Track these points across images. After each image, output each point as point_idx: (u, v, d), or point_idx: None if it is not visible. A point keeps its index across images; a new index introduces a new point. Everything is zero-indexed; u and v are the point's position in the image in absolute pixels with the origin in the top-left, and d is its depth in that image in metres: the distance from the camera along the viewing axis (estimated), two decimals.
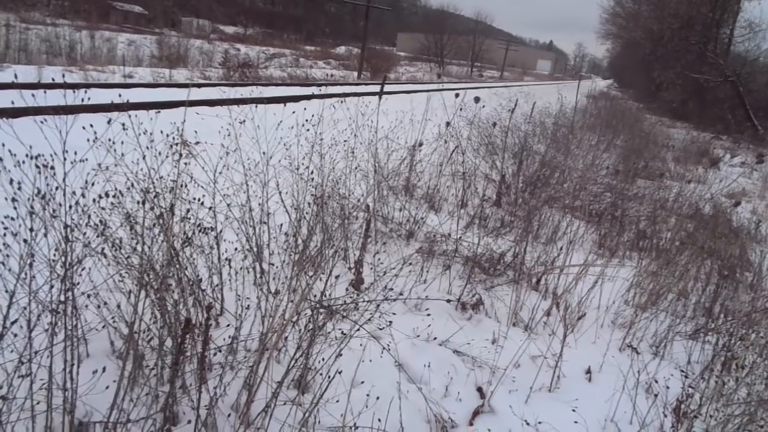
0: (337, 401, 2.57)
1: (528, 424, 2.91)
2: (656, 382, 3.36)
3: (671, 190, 8.58)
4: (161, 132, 2.81)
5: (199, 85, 16.24)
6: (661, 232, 6.32)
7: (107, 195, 2.59)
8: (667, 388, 3.19)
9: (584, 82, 49.56)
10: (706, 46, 29.37)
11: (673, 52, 32.32)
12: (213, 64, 26.16)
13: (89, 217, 2.45)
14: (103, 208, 2.58)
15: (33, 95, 2.27)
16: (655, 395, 3.23)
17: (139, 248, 2.52)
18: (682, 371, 3.51)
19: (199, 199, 3.04)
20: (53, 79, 10.48)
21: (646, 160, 11.01)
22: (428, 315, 3.69)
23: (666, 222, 6.64)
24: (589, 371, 3.53)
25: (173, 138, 2.87)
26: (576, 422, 2.94)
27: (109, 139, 2.48)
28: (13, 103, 2.47)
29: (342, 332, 2.68)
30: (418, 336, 3.52)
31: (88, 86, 10.83)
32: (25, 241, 2.07)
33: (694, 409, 2.89)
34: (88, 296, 2.51)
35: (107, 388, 2.25)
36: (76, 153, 2.18)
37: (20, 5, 34.60)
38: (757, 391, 2.96)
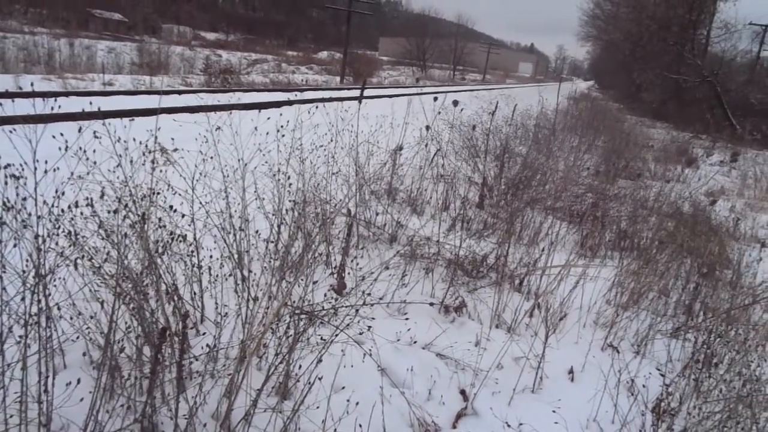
0: (318, 407, 2.55)
1: (509, 425, 2.91)
2: (633, 381, 3.38)
3: (651, 189, 8.66)
4: (134, 140, 2.79)
5: (180, 92, 16.14)
6: (641, 231, 6.37)
7: (77, 205, 2.55)
8: (644, 386, 3.21)
9: (565, 84, 50.01)
10: (684, 47, 29.77)
11: (652, 53, 32.76)
12: (194, 70, 26.04)
13: (59, 227, 2.42)
14: (73, 218, 2.54)
15: (1, 104, 2.24)
16: (633, 394, 3.26)
17: (113, 256, 2.49)
18: (658, 369, 3.53)
19: (172, 207, 3.01)
20: (20, 88, 10.35)
21: (626, 161, 11.11)
22: (407, 319, 3.68)
23: (646, 221, 6.70)
24: (571, 371, 3.54)
25: (146, 146, 2.85)
26: (556, 423, 2.94)
27: (80, 148, 2.45)
28: None
29: (322, 338, 2.66)
30: (399, 340, 3.51)
31: (59, 95, 10.74)
32: None
33: (674, 407, 2.91)
34: (59, 308, 2.47)
35: (81, 400, 2.22)
36: (46, 162, 2.15)
37: None
38: (735, 388, 2.99)
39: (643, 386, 3.21)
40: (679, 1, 30.40)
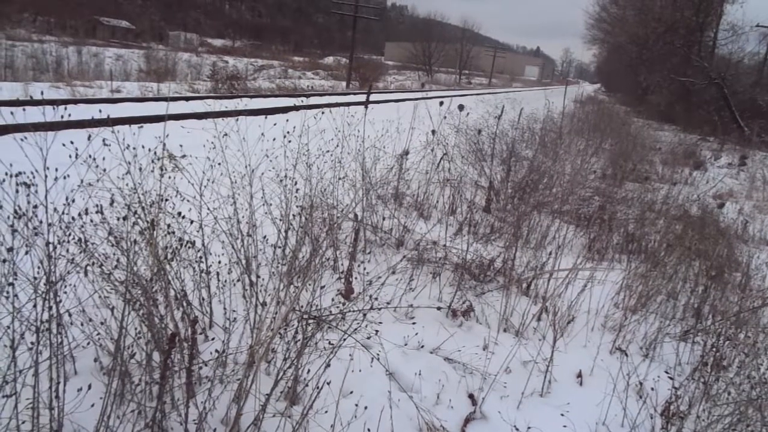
0: (326, 412, 2.56)
1: (518, 429, 2.91)
2: (642, 384, 3.37)
3: (659, 192, 8.64)
4: (143, 147, 2.81)
5: (187, 98, 16.22)
6: (649, 234, 6.35)
7: (87, 212, 2.58)
8: (652, 389, 3.20)
9: (571, 87, 49.86)
10: (691, 50, 29.66)
11: (659, 55, 32.67)
12: (201, 76, 26.17)
13: (69, 235, 2.44)
14: (83, 225, 2.56)
15: (12, 113, 2.26)
16: (642, 398, 3.25)
17: (123, 263, 2.51)
18: (667, 373, 3.52)
19: (180, 213, 3.03)
20: (31, 97, 10.45)
21: (634, 163, 11.07)
22: (414, 323, 3.69)
23: (654, 224, 6.68)
24: (580, 375, 3.53)
25: (155, 153, 2.87)
26: (565, 426, 2.94)
27: (90, 155, 2.47)
28: None
29: (330, 342, 2.67)
30: (407, 344, 3.52)
31: (68, 102, 10.82)
32: (4, 261, 2.05)
33: (684, 410, 2.90)
34: (70, 314, 2.49)
35: (93, 405, 2.23)
36: (57, 170, 2.17)
37: (5, 22, 34.53)
38: (745, 391, 2.97)
39: (652, 389, 3.21)
40: (686, 4, 30.33)
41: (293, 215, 3.77)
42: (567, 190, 7.22)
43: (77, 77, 19.92)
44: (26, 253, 2.18)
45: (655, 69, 33.45)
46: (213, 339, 3.01)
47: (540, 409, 3.14)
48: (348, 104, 14.02)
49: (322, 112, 4.69)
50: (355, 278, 4.00)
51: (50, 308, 2.12)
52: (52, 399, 2.08)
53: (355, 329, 2.66)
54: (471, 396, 3.15)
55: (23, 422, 2.06)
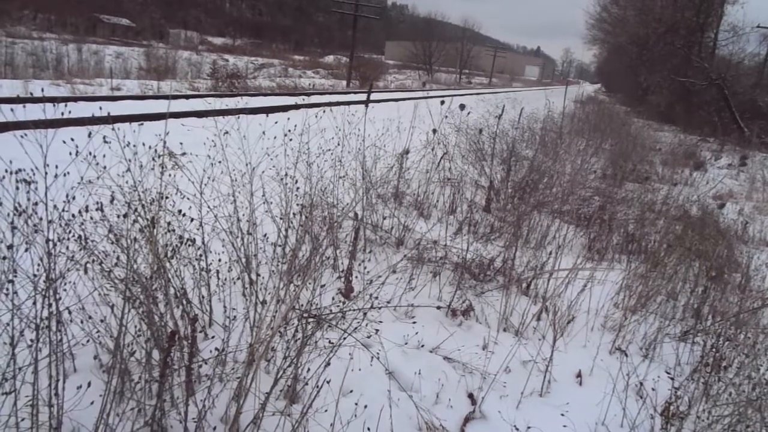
0: (326, 411, 2.56)
1: (517, 429, 2.90)
2: (641, 385, 3.37)
3: (659, 192, 8.63)
4: (143, 144, 2.81)
5: (188, 96, 16.22)
6: (649, 234, 6.35)
7: (87, 210, 2.58)
8: (653, 390, 3.20)
9: (572, 87, 49.78)
10: (691, 50, 29.65)
11: (659, 56, 32.66)
12: (202, 75, 26.14)
13: (69, 232, 2.44)
14: (83, 222, 2.56)
15: (12, 110, 2.26)
16: (642, 398, 3.25)
17: (123, 261, 2.50)
18: (667, 373, 3.51)
19: (180, 211, 3.03)
20: (31, 94, 10.44)
21: (634, 164, 11.07)
22: (414, 323, 3.68)
23: (654, 224, 6.67)
24: (579, 375, 3.53)
25: (155, 150, 2.87)
26: (565, 426, 2.94)
27: (90, 153, 2.47)
28: None
29: (329, 341, 2.67)
30: (407, 343, 3.52)
31: (68, 99, 10.80)
32: (4, 258, 2.05)
33: (684, 410, 2.90)
34: (69, 312, 2.48)
35: (92, 403, 2.23)
36: (57, 167, 2.17)
37: (5, 19, 34.50)
38: (745, 392, 2.97)
39: (653, 389, 3.20)
40: (686, 5, 30.32)
41: (293, 214, 3.77)
42: (567, 190, 7.22)
43: (77, 75, 19.91)
44: (26, 250, 2.17)
45: (656, 69, 33.43)
46: (213, 337, 3.01)
47: (539, 408, 3.14)
48: (348, 103, 14.02)
49: (323, 111, 4.69)
50: (355, 277, 3.99)
51: (50, 305, 2.12)
52: (51, 396, 2.08)
53: (355, 328, 2.65)
54: (471, 395, 3.15)
55: (22, 419, 2.05)
